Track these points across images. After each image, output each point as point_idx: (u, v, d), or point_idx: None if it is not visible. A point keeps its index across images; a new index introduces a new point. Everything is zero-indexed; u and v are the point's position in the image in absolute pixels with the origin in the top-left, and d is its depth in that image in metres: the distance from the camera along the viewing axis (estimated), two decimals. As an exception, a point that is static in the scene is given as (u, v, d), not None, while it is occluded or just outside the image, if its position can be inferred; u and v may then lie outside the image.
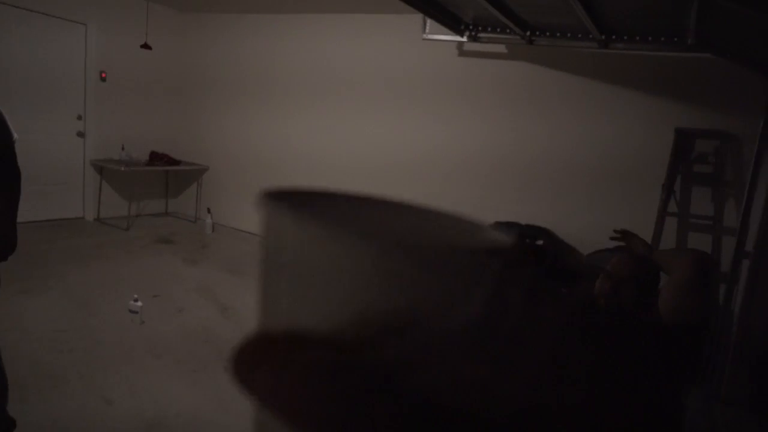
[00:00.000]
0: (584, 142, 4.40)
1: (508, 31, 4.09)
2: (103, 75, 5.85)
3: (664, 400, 1.45)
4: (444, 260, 0.15)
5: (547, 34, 4.03)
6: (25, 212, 5.28)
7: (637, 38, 3.58)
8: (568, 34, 3.91)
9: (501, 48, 4.63)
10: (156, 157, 6.20)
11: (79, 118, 5.80)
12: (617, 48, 3.69)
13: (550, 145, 4.54)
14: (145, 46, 3.63)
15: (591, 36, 3.68)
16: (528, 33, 4.03)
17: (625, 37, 3.59)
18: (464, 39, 4.39)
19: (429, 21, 4.46)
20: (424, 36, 4.65)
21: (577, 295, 3.51)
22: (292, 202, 0.18)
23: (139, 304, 3.49)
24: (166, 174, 6.64)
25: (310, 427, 0.13)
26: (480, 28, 4.29)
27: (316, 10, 5.45)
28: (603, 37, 3.63)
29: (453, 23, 4.18)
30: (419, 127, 5.11)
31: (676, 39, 3.41)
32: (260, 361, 0.13)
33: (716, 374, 2.89)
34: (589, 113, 4.38)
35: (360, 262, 0.14)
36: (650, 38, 3.53)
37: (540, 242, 4.25)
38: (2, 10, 4.95)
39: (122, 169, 5.70)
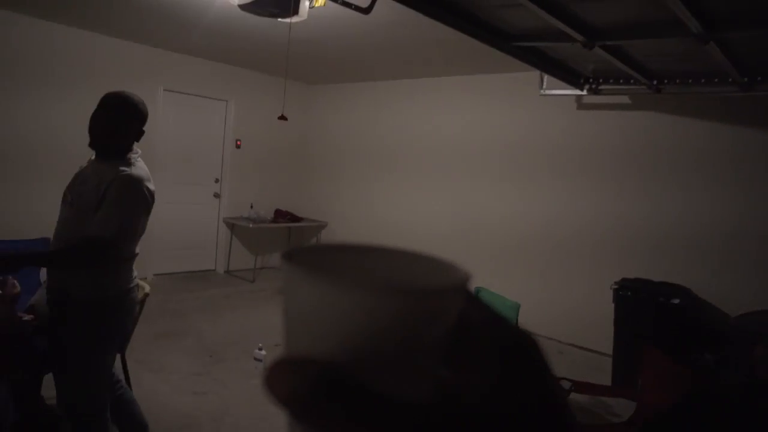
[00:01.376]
0: (729, 196, 3.98)
1: (632, 81, 3.93)
2: (238, 143, 6.52)
3: None
4: (412, 300, 0.21)
5: (677, 81, 3.80)
6: (167, 264, 5.92)
7: (791, 78, 3.24)
8: (702, 80, 3.65)
9: (624, 99, 4.45)
10: (280, 215, 6.66)
11: (217, 181, 6.46)
12: (764, 90, 3.36)
13: (686, 199, 4.17)
14: (282, 117, 3.99)
15: (730, 80, 3.40)
16: (655, 82, 3.84)
17: (774, 78, 3.27)
18: (584, 92, 4.29)
19: (546, 76, 4.43)
20: (542, 92, 4.62)
21: (728, 362, 3.06)
22: (301, 257, 0.24)
23: (263, 352, 3.64)
24: (288, 230, 7.08)
25: (301, 417, 0.20)
26: (601, 80, 4.17)
27: (431, 74, 5.69)
28: (745, 79, 3.34)
29: (572, 77, 4.11)
30: (537, 185, 4.98)
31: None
32: (279, 374, 0.20)
33: None
34: (731, 164, 3.98)
35: (345, 304, 0.20)
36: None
37: (676, 301, 3.83)
38: (167, 96, 5.78)
39: (251, 225, 6.18)
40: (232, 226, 6.50)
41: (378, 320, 0.20)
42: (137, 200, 1.91)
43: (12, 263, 1.79)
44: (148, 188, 1.94)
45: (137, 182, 1.91)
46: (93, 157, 2.04)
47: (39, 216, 4.31)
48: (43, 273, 3.21)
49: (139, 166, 1.98)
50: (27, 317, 2.47)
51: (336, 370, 0.20)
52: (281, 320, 0.22)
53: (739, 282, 3.87)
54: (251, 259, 6.51)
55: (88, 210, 1.87)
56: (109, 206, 1.85)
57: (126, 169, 1.92)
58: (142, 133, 2.06)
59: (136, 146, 2.05)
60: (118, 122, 1.95)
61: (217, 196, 6.47)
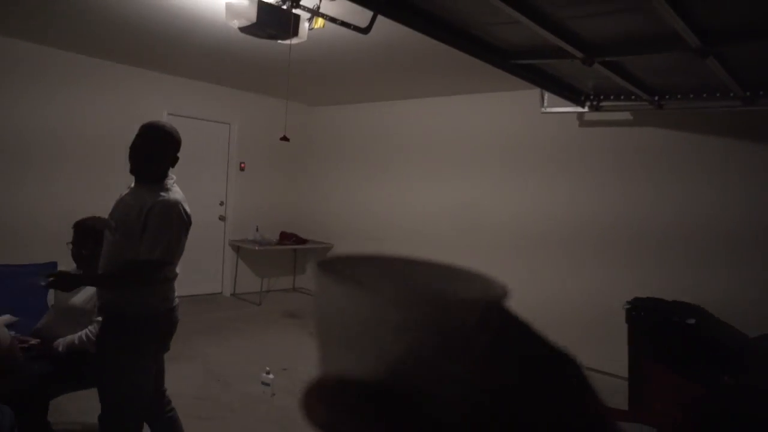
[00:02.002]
0: (734, 208, 3.95)
1: (633, 97, 3.93)
2: (242, 165, 6.56)
3: None
4: (445, 314, 0.20)
5: (678, 96, 3.80)
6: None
7: (794, 91, 3.23)
8: (704, 95, 3.65)
9: (626, 115, 4.45)
10: (285, 237, 6.66)
11: (221, 203, 6.49)
12: (767, 104, 3.36)
13: (691, 214, 4.14)
14: (284, 138, 4.03)
15: (732, 94, 3.40)
16: (656, 97, 3.84)
17: (776, 92, 3.27)
18: (585, 109, 4.30)
19: (547, 94, 4.45)
20: (543, 110, 4.63)
21: (752, 386, 2.98)
22: (335, 268, 0.23)
23: (271, 376, 3.60)
24: (294, 252, 7.07)
25: None
26: (602, 97, 4.18)
27: (431, 94, 5.73)
28: (747, 93, 3.33)
29: (572, 95, 4.12)
30: (542, 200, 4.96)
31: None
32: (317, 397, 0.20)
33: None
34: (737, 178, 3.96)
35: (382, 319, 0.19)
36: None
37: (691, 321, 3.76)
38: (172, 120, 5.83)
39: (256, 248, 6.18)
40: (237, 248, 6.51)
41: (420, 333, 0.20)
42: (176, 222, 2.07)
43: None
44: (184, 210, 2.11)
45: (174, 206, 2.07)
46: (132, 184, 2.18)
47: (46, 240, 4.33)
48: (51, 297, 3.23)
49: (175, 191, 2.14)
50: (34, 341, 2.47)
51: (377, 390, 0.19)
52: (315, 336, 0.21)
53: (758, 300, 3.81)
54: (257, 282, 6.50)
55: (132, 234, 2.02)
56: (153, 231, 2.01)
57: (164, 194, 2.08)
58: (176, 159, 2.21)
59: (171, 172, 2.18)
60: (154, 149, 2.11)
61: (222, 218, 6.49)
